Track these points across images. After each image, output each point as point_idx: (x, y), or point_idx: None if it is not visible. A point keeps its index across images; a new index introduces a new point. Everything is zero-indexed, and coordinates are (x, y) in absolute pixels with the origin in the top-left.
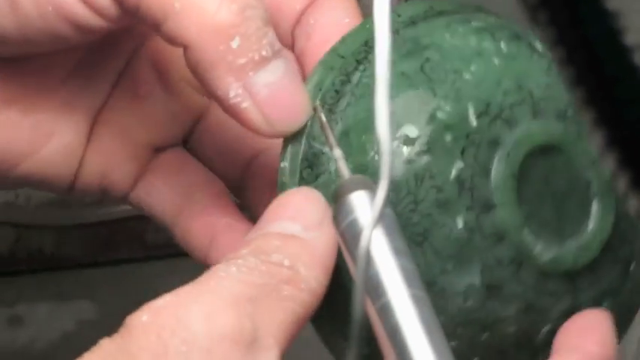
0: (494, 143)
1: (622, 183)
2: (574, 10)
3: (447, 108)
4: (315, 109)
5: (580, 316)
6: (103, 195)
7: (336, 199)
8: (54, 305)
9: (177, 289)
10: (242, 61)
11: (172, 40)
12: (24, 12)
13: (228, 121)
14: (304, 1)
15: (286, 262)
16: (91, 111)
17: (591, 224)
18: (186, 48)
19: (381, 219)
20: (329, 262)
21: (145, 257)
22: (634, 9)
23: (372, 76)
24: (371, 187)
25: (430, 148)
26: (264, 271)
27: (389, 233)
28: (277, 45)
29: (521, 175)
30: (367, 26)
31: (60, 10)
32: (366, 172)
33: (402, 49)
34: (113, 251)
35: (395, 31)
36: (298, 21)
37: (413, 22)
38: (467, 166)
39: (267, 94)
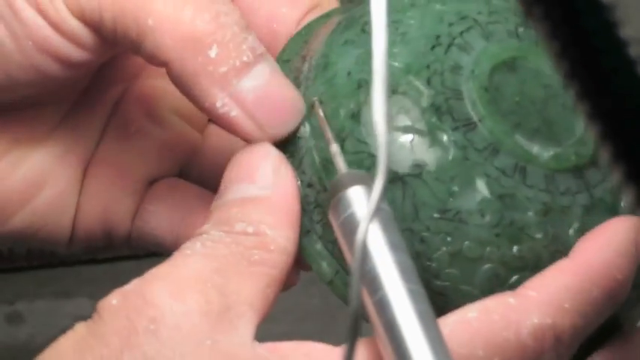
0: (456, 67)
1: (617, 176)
2: (569, 4)
3: (398, 52)
4: (313, 106)
5: (599, 225)
6: (108, 239)
7: (333, 193)
8: (53, 302)
9: (146, 273)
10: (223, 69)
11: (153, 59)
12: (3, 49)
13: (222, 149)
14: (301, 10)
15: (250, 229)
16: (82, 158)
17: (583, 120)
18: (166, 65)
19: (377, 214)
20: (292, 213)
21: (145, 254)
22: (629, 2)
23: (321, 56)
24: (367, 181)
25: (395, 89)
26: (229, 242)
27: (385, 228)
28: (260, 49)
29: (495, 91)
30: (302, 32)
31: (39, 43)
32: (343, 134)
33: (340, 26)
34: (112, 248)
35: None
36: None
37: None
38: (437, 92)
39: (254, 99)
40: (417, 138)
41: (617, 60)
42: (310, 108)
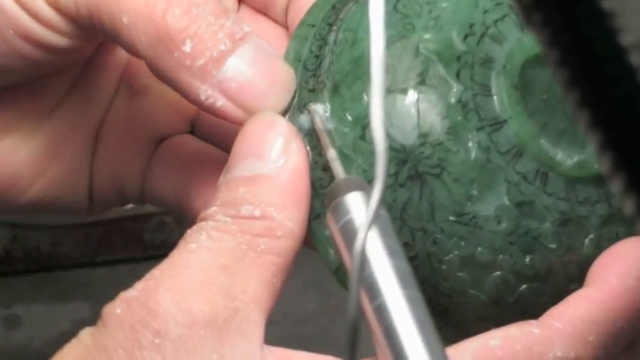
0: (488, 61)
1: (617, 185)
2: (569, 11)
3: (430, 38)
4: (309, 111)
5: (615, 245)
6: (123, 199)
7: (331, 199)
8: (50, 305)
9: (149, 273)
10: (201, 62)
11: (132, 54)
12: None
13: None
14: None
15: (257, 213)
16: (94, 124)
17: None
18: (145, 62)
19: (375, 220)
20: (300, 192)
21: (142, 257)
22: (631, 8)
23: (349, 30)
24: (365, 187)
25: (423, 79)
26: (236, 230)
27: (384, 234)
28: (240, 33)
29: (524, 87)
30: None
31: (20, 32)
32: (365, 121)
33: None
34: (110, 251)
35: None
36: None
37: None
38: (466, 88)
39: (238, 85)
40: (440, 135)
41: (617, 68)
42: (332, 88)
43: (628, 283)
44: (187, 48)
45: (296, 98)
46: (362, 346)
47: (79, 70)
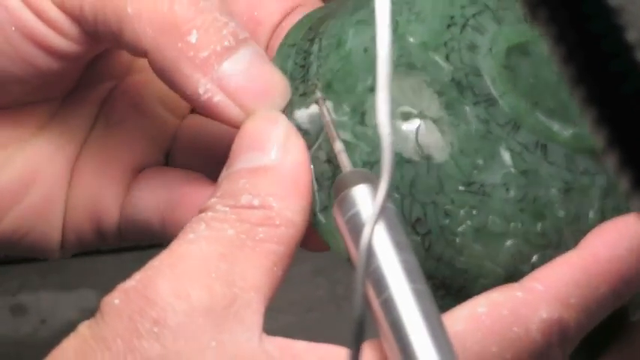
0: (473, 47)
1: (624, 183)
2: (574, 8)
3: (414, 29)
4: (317, 101)
5: (614, 219)
6: (98, 234)
7: (337, 192)
8: (57, 294)
9: (148, 264)
10: (204, 54)
11: (134, 49)
12: None
13: (201, 128)
14: (282, 12)
15: (256, 202)
16: (71, 155)
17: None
18: (147, 54)
19: (382, 213)
20: (301, 183)
21: (149, 245)
22: (636, 5)
23: (332, 36)
24: (372, 180)
25: (415, 65)
26: (235, 220)
27: (390, 227)
28: (242, 34)
29: (512, 70)
30: (304, 20)
31: (22, 30)
32: (362, 107)
33: (349, 8)
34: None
35: None
36: (274, 32)
37: None
38: (457, 68)
39: (237, 83)
40: (439, 111)
41: (624, 65)
42: (325, 87)
43: (616, 252)
44: (193, 39)
45: (288, 105)
46: (366, 339)
47: (60, 99)
